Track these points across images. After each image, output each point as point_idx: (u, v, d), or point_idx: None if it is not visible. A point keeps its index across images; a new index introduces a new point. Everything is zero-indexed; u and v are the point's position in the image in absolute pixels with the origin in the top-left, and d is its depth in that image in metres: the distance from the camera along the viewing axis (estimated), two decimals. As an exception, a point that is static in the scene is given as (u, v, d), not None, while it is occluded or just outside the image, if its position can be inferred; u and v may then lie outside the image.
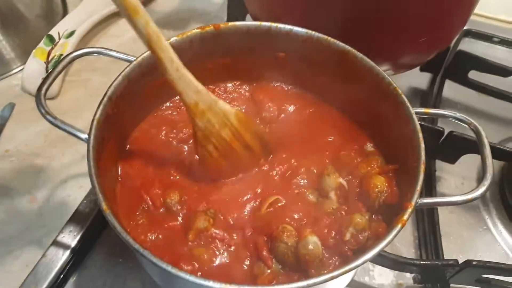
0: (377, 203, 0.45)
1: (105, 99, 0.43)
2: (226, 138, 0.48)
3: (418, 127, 0.43)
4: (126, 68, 0.46)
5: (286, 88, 0.59)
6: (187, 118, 0.48)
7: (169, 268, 0.33)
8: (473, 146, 0.63)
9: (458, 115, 0.44)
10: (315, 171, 0.50)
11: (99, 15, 0.86)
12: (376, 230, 0.43)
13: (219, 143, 0.48)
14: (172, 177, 0.47)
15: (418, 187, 0.39)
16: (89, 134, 0.41)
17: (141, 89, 0.49)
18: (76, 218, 0.61)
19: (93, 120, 0.42)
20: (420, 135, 0.42)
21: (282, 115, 0.57)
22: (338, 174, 0.48)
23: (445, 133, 0.65)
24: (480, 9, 0.89)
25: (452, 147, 0.66)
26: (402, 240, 0.63)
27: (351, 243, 0.42)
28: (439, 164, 0.70)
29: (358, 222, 0.42)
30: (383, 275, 0.59)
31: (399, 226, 0.37)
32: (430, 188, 0.66)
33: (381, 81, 0.48)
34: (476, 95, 0.83)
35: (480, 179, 0.42)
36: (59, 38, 0.80)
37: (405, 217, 0.37)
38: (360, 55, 0.49)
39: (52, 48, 0.78)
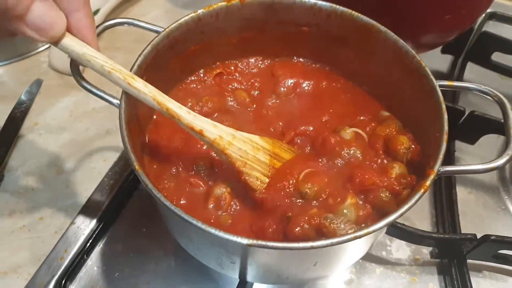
0: (405, 160, 0.46)
1: (135, 67, 0.45)
2: (266, 162, 0.46)
3: (442, 98, 0.43)
4: (154, 38, 0.47)
5: (306, 64, 0.60)
6: (214, 106, 0.51)
7: (199, 224, 0.34)
8: (494, 126, 0.63)
9: (482, 87, 0.45)
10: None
11: (122, -5, 0.87)
12: (411, 179, 0.45)
13: (262, 168, 0.45)
14: (199, 146, 0.49)
15: (441, 155, 0.39)
16: (120, 99, 0.42)
17: (168, 61, 0.51)
18: (102, 189, 0.63)
19: (124, 87, 0.43)
20: (444, 106, 0.43)
21: (298, 89, 0.58)
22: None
23: (466, 113, 0.65)
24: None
25: (472, 127, 0.66)
26: (420, 217, 0.63)
27: (398, 181, 0.44)
28: (459, 145, 0.70)
29: (400, 165, 0.45)
30: (400, 250, 0.60)
31: (422, 191, 0.37)
32: (449, 167, 0.67)
33: (405, 54, 0.48)
34: (498, 78, 0.82)
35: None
36: (84, 17, 0.82)
37: (428, 183, 0.38)
38: (384, 28, 0.49)
39: (78, 27, 0.80)
